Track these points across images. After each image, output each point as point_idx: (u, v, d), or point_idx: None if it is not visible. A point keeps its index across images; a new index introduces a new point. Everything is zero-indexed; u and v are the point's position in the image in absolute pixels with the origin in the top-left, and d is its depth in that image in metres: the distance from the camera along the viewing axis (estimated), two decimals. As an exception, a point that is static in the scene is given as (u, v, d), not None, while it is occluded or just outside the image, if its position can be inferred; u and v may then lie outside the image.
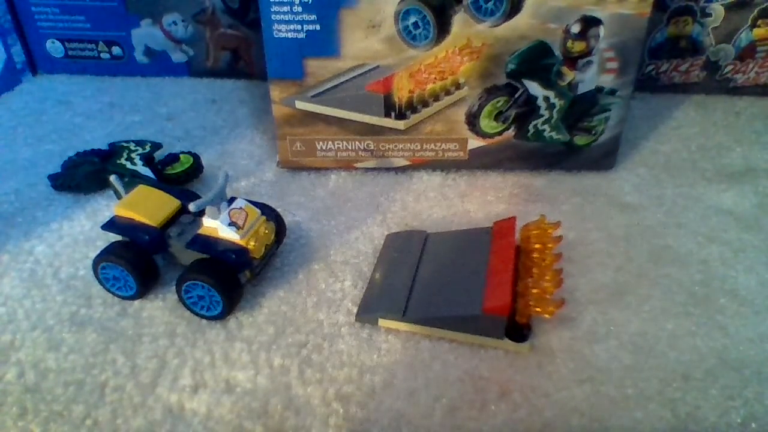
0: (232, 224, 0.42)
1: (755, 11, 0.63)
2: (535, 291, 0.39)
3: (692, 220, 0.50)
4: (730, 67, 0.67)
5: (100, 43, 0.74)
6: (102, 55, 0.74)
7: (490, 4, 0.48)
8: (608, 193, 0.54)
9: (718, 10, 0.64)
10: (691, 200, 0.53)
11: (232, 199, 0.44)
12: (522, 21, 0.49)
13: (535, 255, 0.41)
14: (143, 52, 0.74)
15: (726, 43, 0.65)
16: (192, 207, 0.41)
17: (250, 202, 0.44)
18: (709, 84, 0.68)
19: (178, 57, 0.74)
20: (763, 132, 0.62)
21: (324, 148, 0.56)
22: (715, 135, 0.62)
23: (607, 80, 0.51)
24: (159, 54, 0.74)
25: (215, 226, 0.42)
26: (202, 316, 0.42)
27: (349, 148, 0.56)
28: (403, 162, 0.57)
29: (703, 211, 0.51)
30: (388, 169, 0.57)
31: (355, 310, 0.42)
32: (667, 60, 0.68)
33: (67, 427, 0.35)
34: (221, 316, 0.42)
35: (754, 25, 0.64)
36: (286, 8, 0.49)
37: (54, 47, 0.74)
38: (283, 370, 0.38)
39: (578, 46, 0.50)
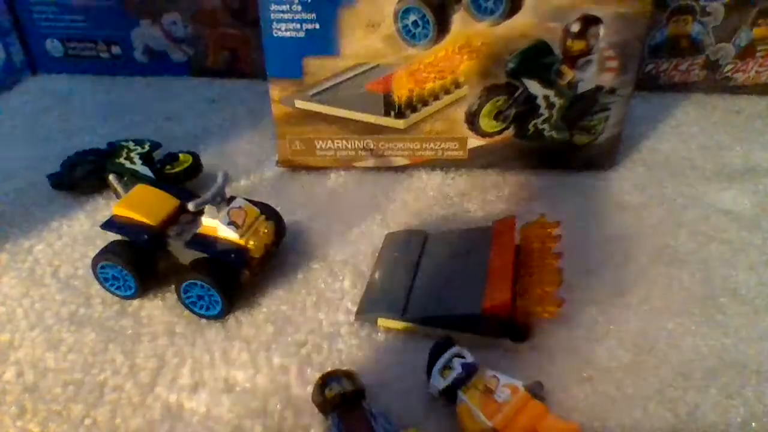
0: (231, 223, 0.42)
1: (755, 10, 0.63)
2: (535, 291, 0.39)
3: (692, 219, 0.50)
4: (730, 66, 0.67)
5: (100, 42, 0.74)
6: (101, 54, 0.74)
7: (489, 3, 0.48)
8: (608, 193, 0.54)
9: (718, 9, 0.64)
10: (690, 199, 0.53)
11: (231, 199, 0.44)
12: (522, 20, 0.48)
13: (535, 254, 0.41)
14: (143, 51, 0.74)
15: (726, 42, 0.65)
16: (191, 206, 0.41)
17: (250, 201, 0.44)
18: (709, 83, 0.68)
19: (177, 56, 0.74)
20: (763, 131, 0.62)
21: (323, 147, 0.56)
22: (715, 134, 0.62)
23: (607, 79, 0.51)
24: (159, 53, 0.74)
25: (214, 225, 0.42)
26: (202, 316, 0.42)
27: (349, 147, 0.56)
28: (403, 161, 0.56)
29: (702, 210, 0.51)
30: (387, 169, 0.57)
31: (354, 310, 0.42)
32: (667, 59, 0.67)
33: (66, 427, 0.35)
34: (220, 316, 0.42)
35: (754, 24, 0.64)
36: (285, 7, 0.49)
37: (53, 46, 0.74)
38: (283, 370, 0.38)
39: (578, 45, 0.50)
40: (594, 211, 0.52)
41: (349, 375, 0.35)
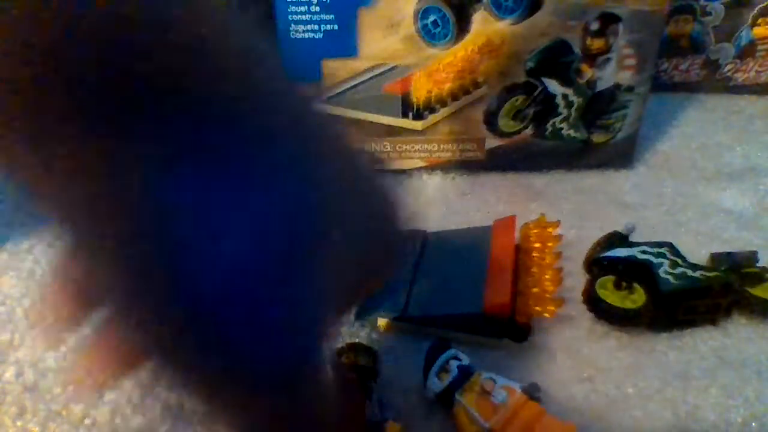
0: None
1: (756, 10, 0.63)
2: (535, 290, 0.39)
3: (692, 219, 0.50)
4: (730, 66, 0.67)
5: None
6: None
7: (510, 2, 0.48)
8: (608, 192, 0.54)
9: (718, 9, 0.64)
10: (691, 199, 0.53)
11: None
12: (542, 18, 0.48)
13: (535, 254, 0.41)
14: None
15: (726, 41, 0.65)
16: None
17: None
18: (709, 83, 0.68)
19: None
20: (763, 131, 0.62)
21: None
22: (715, 134, 0.62)
23: (626, 77, 0.51)
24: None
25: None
26: (202, 315, 0.42)
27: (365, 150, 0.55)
28: (420, 163, 0.56)
29: (703, 210, 0.51)
30: (388, 169, 0.57)
31: (354, 310, 0.42)
32: (667, 59, 0.67)
33: (66, 427, 0.35)
34: (220, 315, 0.42)
35: (754, 24, 0.64)
36: (303, 8, 0.48)
37: (53, 46, 0.74)
38: (283, 370, 0.38)
39: (597, 44, 0.49)
40: (594, 210, 0.52)
41: (368, 351, 0.35)
